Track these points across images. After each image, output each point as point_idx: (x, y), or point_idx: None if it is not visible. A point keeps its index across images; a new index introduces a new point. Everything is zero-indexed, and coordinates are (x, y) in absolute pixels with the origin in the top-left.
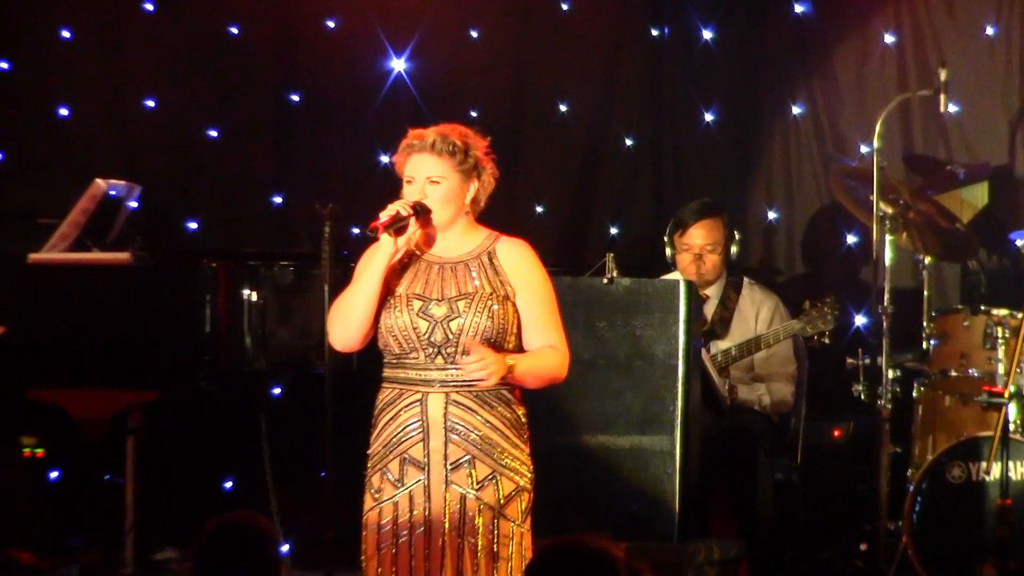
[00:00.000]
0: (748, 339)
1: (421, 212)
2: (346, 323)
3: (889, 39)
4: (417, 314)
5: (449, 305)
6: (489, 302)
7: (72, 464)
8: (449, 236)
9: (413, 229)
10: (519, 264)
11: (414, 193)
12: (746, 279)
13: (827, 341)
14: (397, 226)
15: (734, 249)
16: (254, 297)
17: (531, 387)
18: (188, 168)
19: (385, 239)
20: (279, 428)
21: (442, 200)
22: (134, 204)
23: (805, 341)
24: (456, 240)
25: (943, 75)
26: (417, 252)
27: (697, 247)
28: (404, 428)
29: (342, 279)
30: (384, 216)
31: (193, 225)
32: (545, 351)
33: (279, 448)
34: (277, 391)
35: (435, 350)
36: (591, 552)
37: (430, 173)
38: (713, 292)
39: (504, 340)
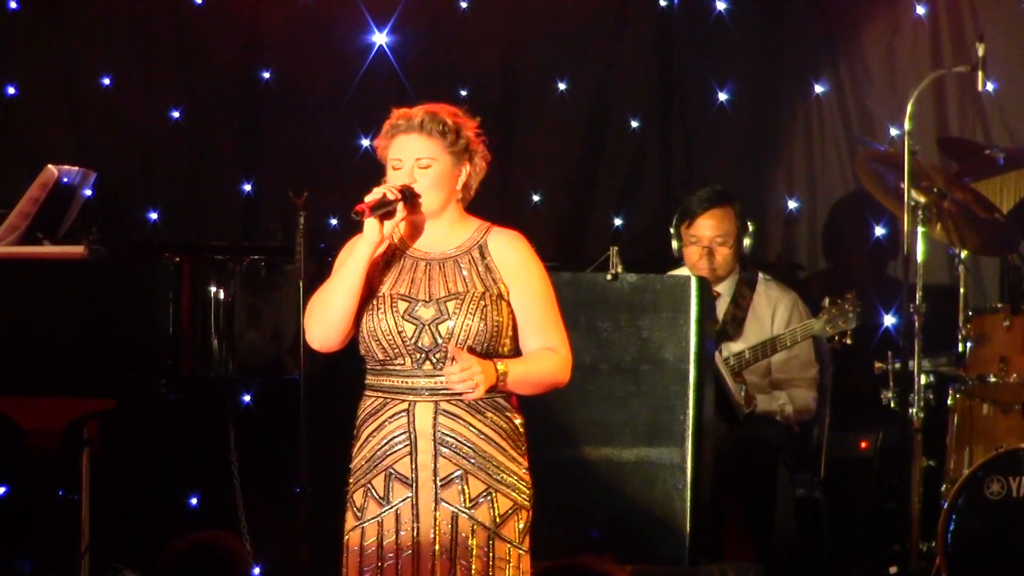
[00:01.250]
0: (763, 341)
1: (409, 197)
2: (325, 319)
3: (921, 10)
4: (403, 317)
5: (437, 306)
6: (481, 302)
7: (21, 480)
8: (437, 227)
9: (400, 215)
10: (513, 259)
11: (402, 177)
12: (761, 274)
13: (849, 341)
14: (383, 211)
15: (747, 242)
16: (221, 295)
17: (528, 394)
18: (148, 153)
19: (370, 224)
20: (249, 439)
21: (433, 184)
22: (89, 192)
23: (827, 342)
24: (445, 232)
25: (981, 50)
26: (401, 247)
27: (706, 239)
28: (389, 440)
29: (318, 275)
30: (369, 199)
31: (154, 216)
32: (543, 354)
33: (250, 461)
34: (247, 398)
35: (423, 355)
36: None
37: (419, 155)
38: (724, 289)
39: (498, 344)
